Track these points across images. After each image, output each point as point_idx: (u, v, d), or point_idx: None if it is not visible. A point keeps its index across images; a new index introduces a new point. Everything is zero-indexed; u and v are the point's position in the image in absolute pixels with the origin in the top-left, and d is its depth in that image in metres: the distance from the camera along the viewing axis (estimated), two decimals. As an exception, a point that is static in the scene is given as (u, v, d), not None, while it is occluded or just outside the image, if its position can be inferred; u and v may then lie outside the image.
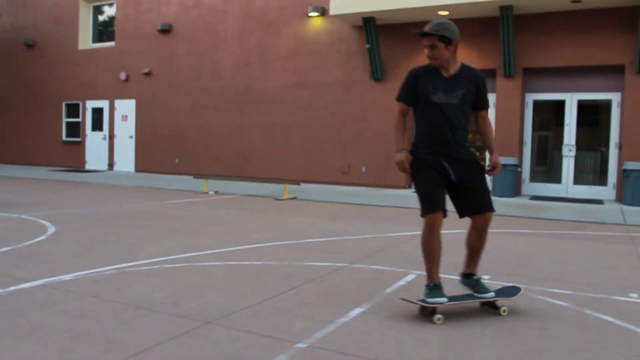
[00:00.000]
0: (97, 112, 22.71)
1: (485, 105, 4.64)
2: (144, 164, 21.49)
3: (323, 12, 18.06)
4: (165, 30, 20.79)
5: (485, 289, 4.66)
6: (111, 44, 22.49)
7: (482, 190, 4.50)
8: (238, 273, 5.69)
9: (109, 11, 23.07)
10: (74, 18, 23.21)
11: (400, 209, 11.77)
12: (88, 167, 22.82)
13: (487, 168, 4.59)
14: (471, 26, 16.04)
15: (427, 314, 4.48)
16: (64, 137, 23.54)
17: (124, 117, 21.92)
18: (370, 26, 16.71)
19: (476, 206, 4.50)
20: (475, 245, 4.62)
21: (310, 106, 18.29)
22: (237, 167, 19.66)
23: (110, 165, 22.31)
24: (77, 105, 23.19)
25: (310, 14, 18.16)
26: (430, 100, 4.45)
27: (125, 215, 9.82)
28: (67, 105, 23.53)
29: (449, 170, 4.46)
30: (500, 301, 4.68)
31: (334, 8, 16.40)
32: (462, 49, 16.07)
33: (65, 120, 23.56)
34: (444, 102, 4.43)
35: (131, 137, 21.76)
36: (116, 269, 5.73)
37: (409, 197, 14.34)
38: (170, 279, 5.38)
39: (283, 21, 18.81)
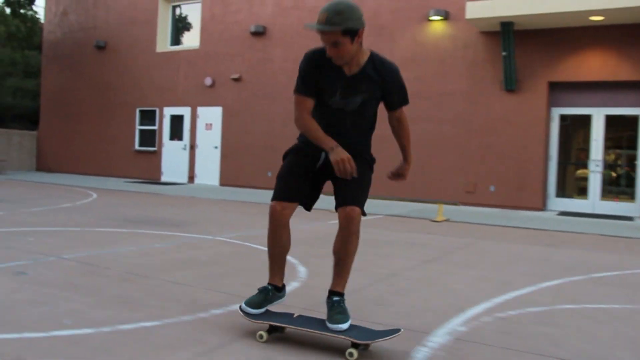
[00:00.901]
0: (177, 120, 21.16)
1: (397, 105, 3.82)
2: (229, 177, 19.92)
3: (446, 15, 16.54)
4: (259, 33, 19.27)
5: (340, 318, 3.47)
6: (194, 46, 20.96)
7: (350, 182, 3.57)
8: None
9: (190, 11, 21.55)
10: (151, 19, 21.70)
11: (607, 237, 10.19)
12: (164, 178, 21.26)
13: (389, 173, 3.96)
14: (625, 33, 14.51)
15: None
16: (136, 146, 21.98)
17: (208, 126, 20.37)
18: (508, 32, 15.18)
19: (339, 198, 3.60)
20: (338, 250, 3.59)
21: (430, 118, 16.72)
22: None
23: (191, 177, 20.74)
24: (153, 112, 21.65)
25: (431, 18, 16.64)
26: (324, 102, 3.67)
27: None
28: (141, 111, 21.98)
29: (321, 158, 3.73)
30: (355, 341, 3.35)
31: (471, 11, 14.87)
32: (612, 57, 14.53)
33: (138, 127, 22.00)
34: (340, 107, 3.67)
35: (216, 147, 20.20)
36: (501, 317, 4.14)
37: (577, 221, 12.75)
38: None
39: (398, 25, 17.28)
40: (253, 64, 19.45)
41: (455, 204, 12.42)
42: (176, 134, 21.16)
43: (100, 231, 8.26)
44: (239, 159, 19.78)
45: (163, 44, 21.68)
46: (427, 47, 16.86)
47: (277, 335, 3.71)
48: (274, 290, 3.78)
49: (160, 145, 21.43)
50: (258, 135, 19.11)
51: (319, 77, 3.62)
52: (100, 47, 22.79)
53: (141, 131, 21.96)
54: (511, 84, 15.56)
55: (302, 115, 3.65)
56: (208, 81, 20.26)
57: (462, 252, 8.15)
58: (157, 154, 21.52)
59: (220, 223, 9.95)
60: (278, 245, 3.72)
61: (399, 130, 3.95)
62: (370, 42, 17.55)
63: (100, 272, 5.51)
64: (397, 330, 3.45)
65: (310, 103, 3.66)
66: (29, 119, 27.55)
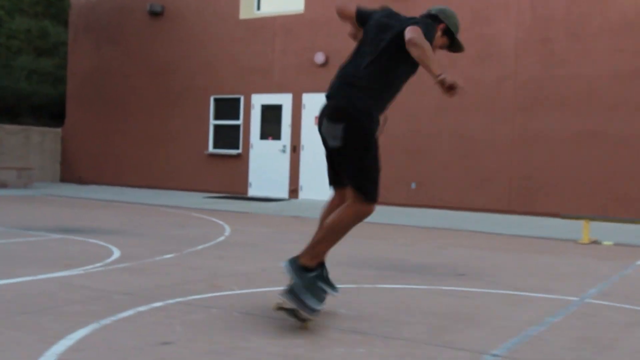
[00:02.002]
0: (271, 112, 15.42)
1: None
2: (352, 190, 14.17)
3: None
4: (402, -12, 13.51)
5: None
6: (297, 10, 15.16)
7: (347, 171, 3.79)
8: None
9: (284, -37, 15.74)
10: (230, -27, 15.84)
11: None
12: (253, 192, 15.52)
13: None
14: None
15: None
16: (210, 148, 16.18)
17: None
18: None
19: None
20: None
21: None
22: (512, 194, 12.59)
23: (294, 190, 15.03)
24: (236, 101, 15.86)
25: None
26: (410, 61, 3.73)
27: None
28: (217, 100, 16.18)
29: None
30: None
31: None
32: None
33: (213, 122, 16.20)
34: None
35: (332, 149, 14.49)
36: None
37: None
38: None
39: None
40: (392, 32, 13.70)
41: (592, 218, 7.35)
42: (270, 131, 15.42)
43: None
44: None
45: (249, 8, 15.84)
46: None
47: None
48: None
49: (247, 146, 15.67)
50: (396, 134, 13.40)
51: None
52: (156, 13, 16.85)
53: (217, 128, 16.18)
54: None
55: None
56: (319, 58, 14.54)
57: None
58: (241, 159, 15.75)
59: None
60: None
61: None
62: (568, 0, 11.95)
63: None
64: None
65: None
66: (48, 112, 21.43)
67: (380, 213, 11.85)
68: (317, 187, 14.74)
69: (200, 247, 7.05)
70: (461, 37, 4.29)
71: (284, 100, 15.18)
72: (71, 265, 5.49)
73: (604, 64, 12.06)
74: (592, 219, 9.12)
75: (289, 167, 15.12)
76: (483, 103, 13.09)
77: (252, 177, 15.58)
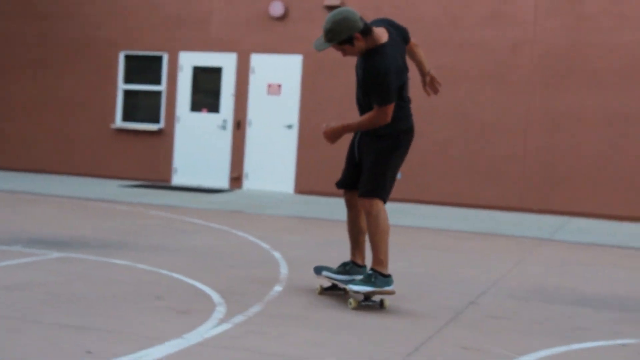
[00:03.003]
0: (207, 76, 11.96)
1: (370, 99, 4.19)
2: (315, 180, 11.19)
3: None
4: None
5: (359, 282, 4.13)
6: (244, -55, 11.74)
7: (366, 167, 4.24)
8: None
9: None
10: None
11: None
12: (178, 180, 12.00)
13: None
14: None
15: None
16: (118, 121, 12.40)
17: (274, 89, 11.47)
18: None
19: (359, 183, 4.30)
20: (367, 232, 4.29)
21: None
22: (526, 189, 10.27)
23: (237, 178, 11.69)
24: (157, 59, 12.20)
25: None
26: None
27: None
28: (129, 58, 12.40)
29: (355, 148, 4.38)
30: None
31: None
32: None
33: (123, 87, 12.42)
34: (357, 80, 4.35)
35: (290, 126, 11.38)
36: None
37: None
38: None
39: None
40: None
41: None
42: (205, 101, 11.95)
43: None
44: (332, 150, 11.10)
45: (176, -62, 12.18)
46: None
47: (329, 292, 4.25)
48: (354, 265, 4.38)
49: (172, 120, 12.08)
50: (379, 109, 10.47)
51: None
52: (44, -59, 12.67)
53: (129, 94, 12.42)
54: None
55: None
56: (276, 8, 11.27)
57: None
58: (163, 137, 12.14)
59: None
60: (353, 228, 4.43)
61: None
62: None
63: None
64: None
65: None
66: None
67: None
68: (267, 174, 11.52)
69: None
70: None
71: (226, 61, 11.74)
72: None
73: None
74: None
75: (231, 148, 11.74)
76: (492, 75, 10.51)
77: (178, 161, 12.03)
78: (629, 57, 9.97)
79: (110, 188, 10.82)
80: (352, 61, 11.59)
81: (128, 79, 12.41)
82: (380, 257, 4.07)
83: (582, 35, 10.15)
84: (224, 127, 11.75)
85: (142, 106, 12.40)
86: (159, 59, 12.17)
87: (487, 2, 10.51)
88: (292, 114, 11.40)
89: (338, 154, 11.18)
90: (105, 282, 4.40)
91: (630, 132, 9.98)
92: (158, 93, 12.19)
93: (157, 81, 12.18)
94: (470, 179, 10.68)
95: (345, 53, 4.22)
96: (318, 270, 4.42)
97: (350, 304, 4.03)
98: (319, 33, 11.32)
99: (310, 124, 11.24)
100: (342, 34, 4.08)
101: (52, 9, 12.58)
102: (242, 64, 11.66)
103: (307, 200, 10.71)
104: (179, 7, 11.93)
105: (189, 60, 11.95)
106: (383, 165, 4.16)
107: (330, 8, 11.06)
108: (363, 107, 4.24)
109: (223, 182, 11.76)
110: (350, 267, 4.34)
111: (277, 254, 5.80)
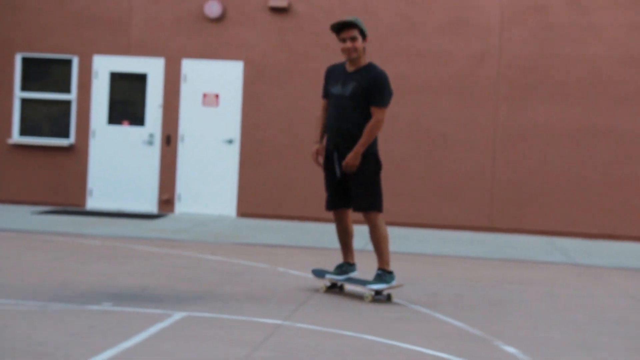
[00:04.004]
0: (129, 84, 10.33)
1: (372, 102, 4.96)
2: (261, 201, 10.03)
3: None
4: None
5: (375, 282, 5.08)
6: None
7: (359, 186, 5.02)
8: None
9: None
10: None
11: None
12: (93, 204, 10.30)
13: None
14: None
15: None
16: (15, 135, 10.46)
17: (210, 99, 10.12)
18: None
19: (353, 202, 5.12)
20: (371, 239, 5.18)
21: None
22: (494, 207, 9.78)
23: (167, 201, 10.18)
24: (66, 64, 10.37)
25: None
26: (330, 92, 5.14)
27: None
28: (27, 61, 10.47)
29: (335, 165, 5.09)
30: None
31: None
32: None
33: (20, 94, 10.47)
34: (339, 93, 5.02)
35: (230, 141, 10.06)
36: None
37: None
38: None
39: None
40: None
41: None
42: (126, 112, 10.33)
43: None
44: (284, 165, 10.09)
45: None
46: None
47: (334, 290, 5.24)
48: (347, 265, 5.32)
49: (86, 135, 10.31)
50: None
51: (330, 78, 5.19)
52: None
53: (29, 104, 10.49)
54: None
55: (320, 112, 5.27)
56: (213, 9, 9.91)
57: None
58: (75, 154, 10.35)
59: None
60: (344, 234, 5.30)
61: (367, 122, 4.99)
62: None
63: None
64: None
65: (326, 103, 5.25)
66: None
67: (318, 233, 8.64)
68: (204, 195, 10.16)
69: None
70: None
71: (151, 67, 10.18)
72: None
73: (615, 42, 9.59)
74: None
75: (159, 166, 10.21)
76: (455, 87, 9.81)
77: (93, 181, 10.30)
78: (596, 68, 9.64)
79: (21, 215, 8.97)
80: (297, 70, 10.40)
81: (27, 86, 10.47)
82: (385, 259, 5.08)
83: (549, 46, 9.69)
84: (150, 143, 10.19)
85: (47, 118, 10.52)
86: (67, 63, 10.35)
87: (449, 8, 9.79)
88: (233, 128, 10.08)
89: (285, 172, 10.09)
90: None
91: (597, 145, 9.67)
92: (67, 103, 10.37)
93: (66, 89, 10.36)
94: (431, 198, 9.93)
95: (355, 42, 4.93)
96: (318, 273, 5.31)
97: (367, 297, 5.04)
98: (262, 36, 10.21)
99: (253, 138, 10.02)
100: (363, 26, 5.00)
101: None
102: (172, 70, 10.16)
103: (251, 224, 9.47)
104: (91, 3, 10.20)
105: (106, 66, 10.25)
106: (375, 182, 5.05)
107: (276, 10, 9.92)
108: (348, 118, 5.00)
109: (150, 205, 10.20)
110: (345, 268, 5.28)
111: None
